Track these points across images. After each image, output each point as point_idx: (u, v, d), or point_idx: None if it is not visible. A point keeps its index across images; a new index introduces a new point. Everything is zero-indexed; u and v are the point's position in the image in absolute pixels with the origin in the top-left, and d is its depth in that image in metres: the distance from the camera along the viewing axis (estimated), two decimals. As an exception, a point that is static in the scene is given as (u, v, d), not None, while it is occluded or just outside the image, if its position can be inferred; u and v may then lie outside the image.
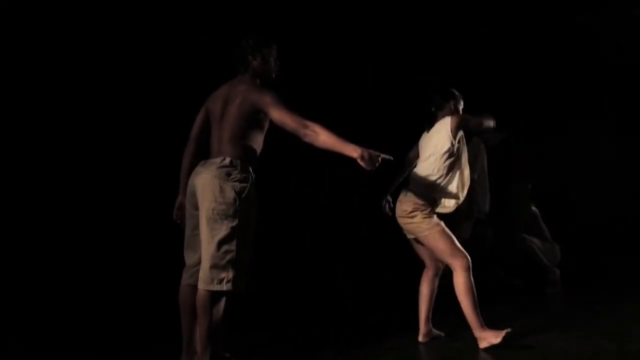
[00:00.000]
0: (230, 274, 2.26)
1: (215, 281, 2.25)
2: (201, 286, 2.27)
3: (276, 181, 4.79)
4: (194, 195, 2.38)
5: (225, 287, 2.26)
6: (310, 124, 2.30)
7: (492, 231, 4.81)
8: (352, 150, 2.24)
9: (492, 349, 2.78)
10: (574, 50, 6.20)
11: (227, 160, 2.34)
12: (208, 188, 2.30)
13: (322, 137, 2.27)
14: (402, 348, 2.91)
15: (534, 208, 4.81)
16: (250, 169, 2.41)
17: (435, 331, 3.08)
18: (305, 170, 4.91)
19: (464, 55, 5.82)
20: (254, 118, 2.42)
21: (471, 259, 2.90)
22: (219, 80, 2.62)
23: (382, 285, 4.60)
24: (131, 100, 4.31)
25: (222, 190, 2.29)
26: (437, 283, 3.08)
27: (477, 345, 2.83)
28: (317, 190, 5.14)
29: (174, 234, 2.71)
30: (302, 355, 2.84)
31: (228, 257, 2.27)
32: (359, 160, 2.23)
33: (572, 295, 4.29)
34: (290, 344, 3.06)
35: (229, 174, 2.32)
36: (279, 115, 2.34)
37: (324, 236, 5.03)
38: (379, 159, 2.26)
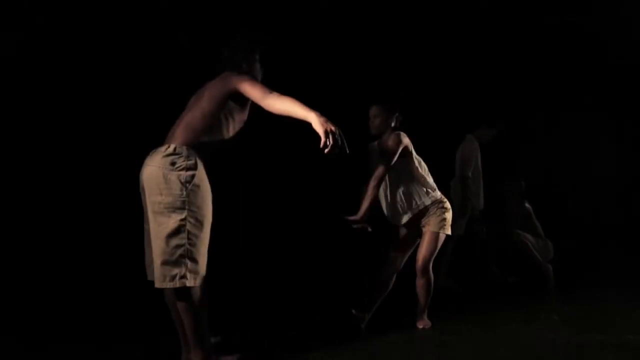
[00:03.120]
0: (182, 270, 2.15)
1: (168, 278, 2.15)
2: (156, 284, 2.18)
3: (275, 182, 4.84)
4: (143, 189, 2.27)
5: (178, 283, 2.14)
6: (274, 92, 2.24)
7: (485, 228, 4.86)
8: (313, 117, 2.10)
9: (484, 340, 2.84)
10: (566, 49, 6.28)
11: (171, 147, 2.22)
12: (153, 180, 2.20)
13: (281, 102, 2.19)
14: (391, 341, 2.93)
15: (527, 205, 4.85)
16: (200, 156, 2.26)
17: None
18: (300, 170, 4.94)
19: (462, 54, 5.88)
20: (220, 103, 2.33)
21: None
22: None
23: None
24: (128, 101, 4.33)
25: (167, 181, 2.17)
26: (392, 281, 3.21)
27: (467, 336, 2.89)
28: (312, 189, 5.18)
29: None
30: (293, 348, 2.85)
31: (179, 252, 2.15)
32: (321, 132, 2.07)
33: (566, 290, 4.35)
34: (281, 337, 3.08)
35: (173, 163, 2.19)
36: (247, 86, 2.28)
37: (321, 234, 5.06)
38: (341, 141, 2.10)
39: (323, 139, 2.07)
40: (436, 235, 3.08)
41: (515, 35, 6.01)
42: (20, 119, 4.05)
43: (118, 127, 4.29)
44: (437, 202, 3.11)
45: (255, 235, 4.80)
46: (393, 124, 3.10)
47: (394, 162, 2.97)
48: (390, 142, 2.99)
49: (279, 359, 2.64)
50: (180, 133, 2.28)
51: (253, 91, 2.27)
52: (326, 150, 2.08)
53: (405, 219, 3.12)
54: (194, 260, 2.19)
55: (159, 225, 2.17)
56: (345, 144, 2.12)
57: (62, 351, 2.82)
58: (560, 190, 6.27)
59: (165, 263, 2.15)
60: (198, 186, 2.21)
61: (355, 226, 2.90)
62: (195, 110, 2.34)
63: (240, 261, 4.60)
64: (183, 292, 2.18)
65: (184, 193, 2.17)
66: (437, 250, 3.13)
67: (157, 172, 2.19)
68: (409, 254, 3.21)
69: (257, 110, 2.38)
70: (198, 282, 2.20)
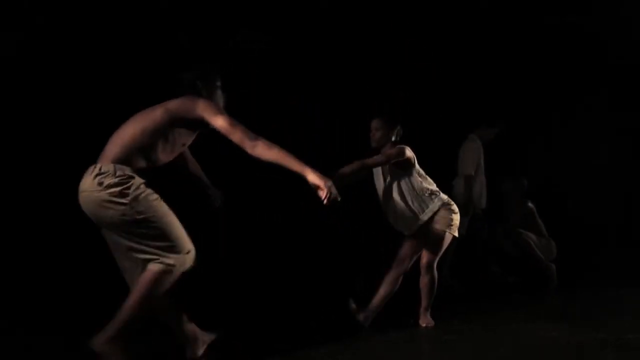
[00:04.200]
0: (160, 256, 2.20)
1: (160, 264, 2.21)
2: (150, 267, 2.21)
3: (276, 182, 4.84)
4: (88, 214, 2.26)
5: (158, 264, 2.20)
6: (259, 137, 2.26)
7: (488, 227, 4.86)
8: (309, 172, 2.24)
9: (485, 339, 2.84)
10: (566, 49, 6.28)
11: (97, 168, 2.20)
12: (90, 205, 2.20)
13: (272, 152, 2.25)
14: (393, 339, 2.93)
15: (530, 204, 4.85)
16: (131, 171, 2.21)
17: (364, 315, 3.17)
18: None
19: (462, 54, 5.88)
20: (171, 124, 2.30)
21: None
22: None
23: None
24: (128, 101, 4.31)
25: (103, 202, 2.16)
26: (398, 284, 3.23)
27: (470, 335, 2.89)
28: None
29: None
30: (294, 347, 2.85)
31: (156, 253, 2.21)
32: (320, 191, 2.22)
33: (567, 289, 4.35)
34: (282, 336, 3.09)
35: (100, 183, 2.16)
36: (224, 123, 2.27)
37: (321, 233, 5.06)
38: (336, 197, 2.25)
39: (324, 194, 2.22)
40: (443, 235, 3.11)
41: (515, 35, 6.01)
42: (20, 119, 4.05)
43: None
44: (445, 205, 3.14)
45: (255, 234, 4.79)
46: (394, 138, 3.16)
47: (388, 162, 3.04)
48: (393, 150, 3.07)
49: (280, 358, 2.63)
50: (110, 150, 2.26)
51: (233, 132, 2.27)
52: (325, 202, 2.25)
53: (416, 226, 3.14)
54: (172, 251, 2.23)
55: (120, 238, 2.23)
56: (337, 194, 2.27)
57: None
58: (560, 190, 6.27)
59: (145, 260, 2.22)
60: (137, 196, 2.18)
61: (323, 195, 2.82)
62: (135, 126, 2.30)
63: (241, 261, 4.60)
64: (159, 274, 2.21)
65: (124, 208, 2.16)
66: (442, 250, 3.15)
67: (89, 197, 2.19)
68: (417, 255, 3.21)
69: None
70: (179, 269, 2.24)
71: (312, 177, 2.23)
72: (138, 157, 2.25)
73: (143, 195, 2.20)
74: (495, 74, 5.99)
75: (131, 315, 2.19)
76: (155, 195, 2.25)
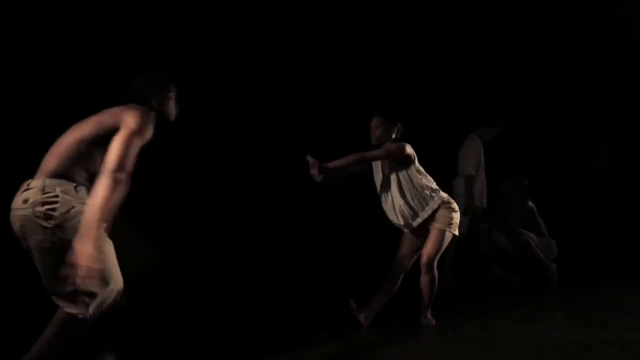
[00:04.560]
0: (83, 308, 1.91)
1: (73, 308, 1.93)
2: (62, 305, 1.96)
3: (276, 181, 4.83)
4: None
5: (86, 315, 1.92)
6: (123, 174, 1.92)
7: (488, 226, 4.86)
8: (86, 247, 1.78)
9: (485, 339, 2.84)
10: (566, 49, 6.29)
11: (26, 184, 1.98)
12: (17, 224, 1.95)
13: (109, 198, 1.85)
14: (394, 338, 2.94)
15: (530, 203, 4.85)
16: (66, 188, 1.95)
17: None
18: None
19: (462, 54, 5.89)
20: (109, 132, 2.04)
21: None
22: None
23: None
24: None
25: (28, 221, 1.90)
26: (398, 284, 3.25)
27: (470, 334, 2.90)
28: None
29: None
30: (296, 347, 2.85)
31: (69, 288, 1.90)
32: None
33: (567, 289, 4.35)
34: (283, 335, 3.09)
35: (25, 200, 1.92)
36: (124, 133, 1.98)
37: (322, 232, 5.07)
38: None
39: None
40: (443, 233, 3.11)
41: (515, 35, 6.01)
42: (20, 119, 4.04)
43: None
44: (445, 203, 3.15)
45: (255, 234, 4.79)
46: (394, 136, 3.18)
47: (387, 157, 3.06)
48: (393, 146, 3.08)
49: (281, 357, 2.63)
50: (45, 163, 2.03)
51: (120, 146, 1.95)
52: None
53: (416, 223, 3.15)
54: (92, 295, 1.92)
55: (43, 262, 1.93)
56: None
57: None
58: (560, 189, 6.27)
59: (67, 298, 1.93)
60: (65, 221, 1.89)
61: (314, 172, 2.84)
62: (73, 135, 2.08)
63: (241, 261, 4.60)
64: (73, 321, 1.95)
65: (48, 232, 1.88)
66: (442, 249, 3.15)
67: (17, 216, 1.94)
68: (417, 255, 3.22)
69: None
70: (98, 312, 1.94)
71: (85, 246, 1.81)
72: (76, 169, 2.00)
73: (72, 221, 1.89)
74: (495, 74, 5.99)
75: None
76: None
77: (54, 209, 1.89)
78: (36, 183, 1.95)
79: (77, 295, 1.91)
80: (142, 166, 2.25)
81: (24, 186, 1.98)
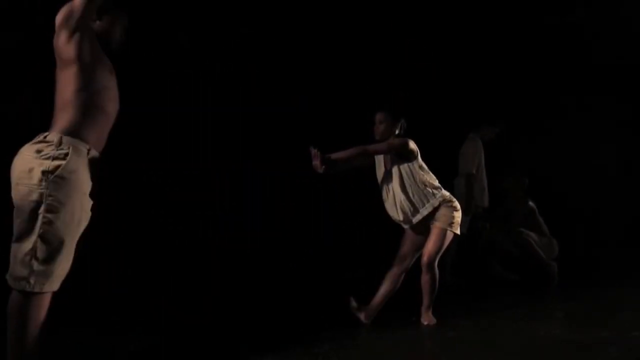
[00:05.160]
0: (25, 271, 1.83)
1: (16, 279, 1.85)
2: (9, 281, 1.88)
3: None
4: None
5: (18, 286, 1.84)
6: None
7: (489, 225, 4.86)
8: None
9: (486, 338, 2.84)
10: (566, 49, 6.29)
11: (42, 136, 1.96)
12: (16, 169, 1.92)
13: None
14: (395, 337, 2.94)
15: (531, 203, 4.85)
16: (81, 145, 1.97)
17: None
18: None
19: (462, 54, 5.89)
20: (77, 55, 2.13)
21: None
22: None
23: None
24: (128, 101, 4.32)
25: (28, 170, 1.87)
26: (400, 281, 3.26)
27: (471, 333, 2.90)
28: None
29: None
30: (297, 345, 2.85)
31: (26, 249, 1.84)
32: None
33: (568, 288, 4.35)
34: (284, 334, 3.08)
35: (39, 151, 1.90)
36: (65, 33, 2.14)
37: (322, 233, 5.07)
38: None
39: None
40: (444, 232, 3.11)
41: (515, 35, 6.02)
42: (20, 119, 4.04)
43: (117, 126, 4.27)
44: (446, 202, 3.14)
45: (255, 234, 4.79)
46: (398, 132, 3.19)
47: (390, 151, 3.07)
48: (396, 141, 3.09)
49: (282, 355, 2.63)
50: (56, 118, 2.03)
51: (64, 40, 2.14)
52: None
53: (416, 219, 3.14)
54: (45, 262, 1.85)
55: (15, 219, 1.89)
56: None
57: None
58: (561, 189, 6.28)
59: (15, 262, 1.86)
60: (63, 178, 1.88)
61: (316, 163, 2.87)
62: (60, 82, 2.11)
63: (242, 259, 4.60)
64: (24, 298, 1.85)
65: (43, 184, 1.85)
66: (443, 247, 3.14)
67: (21, 161, 1.92)
68: (418, 254, 3.22)
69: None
70: (45, 288, 1.86)
71: None
72: (79, 120, 2.02)
73: (69, 182, 1.91)
74: (495, 73, 5.99)
75: (20, 349, 1.84)
76: (83, 194, 1.96)
77: (59, 166, 1.89)
78: (53, 137, 1.95)
79: (26, 266, 1.84)
80: (142, 166, 2.26)
81: (40, 137, 1.97)
